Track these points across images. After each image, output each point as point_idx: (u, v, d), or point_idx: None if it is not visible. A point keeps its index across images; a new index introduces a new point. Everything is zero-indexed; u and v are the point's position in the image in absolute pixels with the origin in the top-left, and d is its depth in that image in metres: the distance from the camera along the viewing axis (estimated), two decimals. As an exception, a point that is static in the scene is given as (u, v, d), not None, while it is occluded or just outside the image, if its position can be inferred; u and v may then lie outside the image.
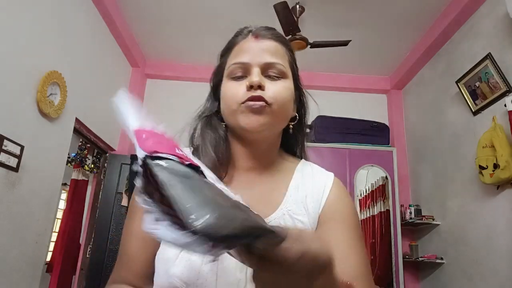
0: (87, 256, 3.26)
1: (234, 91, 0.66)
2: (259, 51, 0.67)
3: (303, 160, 0.77)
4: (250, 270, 0.59)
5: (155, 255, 0.63)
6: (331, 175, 0.73)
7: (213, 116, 0.73)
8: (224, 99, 0.68)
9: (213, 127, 0.71)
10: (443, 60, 3.24)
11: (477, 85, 2.65)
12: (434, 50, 3.31)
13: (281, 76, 0.68)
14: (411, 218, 3.27)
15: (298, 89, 0.75)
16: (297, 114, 0.73)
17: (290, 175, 0.71)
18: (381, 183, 3.53)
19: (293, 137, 0.76)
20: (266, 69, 0.67)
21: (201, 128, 0.73)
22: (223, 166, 0.68)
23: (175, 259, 0.60)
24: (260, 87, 0.64)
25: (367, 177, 3.59)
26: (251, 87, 0.64)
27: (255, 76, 0.65)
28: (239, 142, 0.70)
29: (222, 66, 0.73)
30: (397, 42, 3.48)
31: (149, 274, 0.64)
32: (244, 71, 0.67)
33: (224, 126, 0.71)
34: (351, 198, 0.81)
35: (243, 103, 0.64)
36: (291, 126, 0.72)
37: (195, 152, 0.71)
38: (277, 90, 0.66)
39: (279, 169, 0.72)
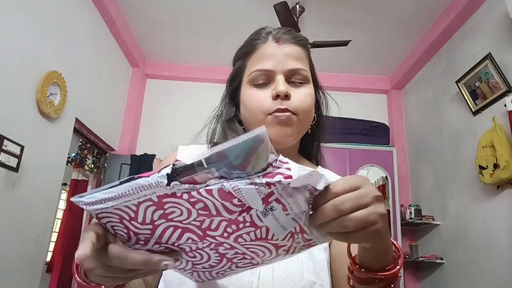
0: (87, 256, 3.25)
1: (259, 101, 0.65)
2: (282, 57, 0.66)
3: (320, 167, 0.76)
4: (262, 274, 0.60)
5: None
6: None
7: (233, 120, 0.72)
8: (247, 107, 0.67)
9: (235, 131, 0.70)
10: (443, 60, 3.24)
11: (477, 85, 2.65)
12: (434, 50, 3.31)
13: (304, 81, 0.67)
14: (411, 218, 3.27)
15: (317, 88, 0.74)
16: (315, 114, 0.72)
17: None
18: (381, 183, 3.53)
19: (310, 138, 0.74)
20: (290, 76, 0.66)
21: (223, 131, 0.72)
22: None
23: None
24: (286, 96, 0.63)
25: (367, 177, 3.59)
26: (277, 97, 0.63)
27: (281, 85, 0.63)
28: None
29: (240, 70, 0.71)
30: (397, 42, 3.48)
31: None
32: (267, 78, 0.66)
33: (243, 130, 0.71)
34: None
35: (270, 114, 0.63)
36: (309, 126, 0.71)
37: None
38: (302, 99, 0.65)
39: None
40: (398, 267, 0.47)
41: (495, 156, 2.28)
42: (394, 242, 0.48)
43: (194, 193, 0.35)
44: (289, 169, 0.36)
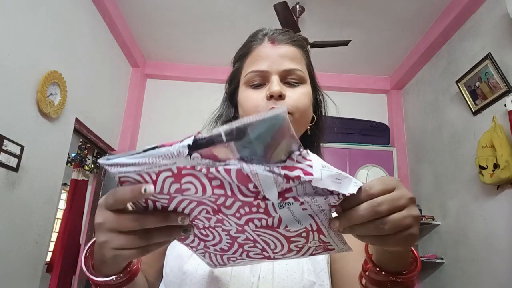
0: (87, 256, 3.25)
1: (254, 102, 0.65)
2: (277, 58, 0.66)
3: None
4: (262, 274, 0.60)
5: (165, 248, 0.65)
6: None
7: (231, 122, 0.73)
8: (243, 108, 0.67)
9: None
10: (443, 60, 3.24)
11: (477, 85, 2.66)
12: (434, 50, 3.31)
13: (300, 81, 0.67)
14: (411, 218, 3.26)
15: (315, 90, 0.74)
16: (314, 115, 0.72)
17: None
18: (381, 183, 3.52)
19: (309, 138, 0.74)
20: (285, 76, 0.66)
21: None
22: None
23: (189, 257, 0.61)
24: (281, 96, 0.63)
25: (367, 177, 3.59)
26: (271, 97, 0.63)
27: (275, 85, 0.63)
28: None
29: (238, 72, 0.72)
30: (397, 42, 3.48)
31: (159, 266, 0.66)
32: (263, 79, 0.66)
33: None
34: None
35: None
36: (308, 127, 0.71)
37: None
38: (298, 98, 0.65)
39: None
40: (417, 270, 0.46)
41: (495, 156, 2.28)
42: None
43: (212, 169, 0.35)
44: (310, 166, 0.35)
